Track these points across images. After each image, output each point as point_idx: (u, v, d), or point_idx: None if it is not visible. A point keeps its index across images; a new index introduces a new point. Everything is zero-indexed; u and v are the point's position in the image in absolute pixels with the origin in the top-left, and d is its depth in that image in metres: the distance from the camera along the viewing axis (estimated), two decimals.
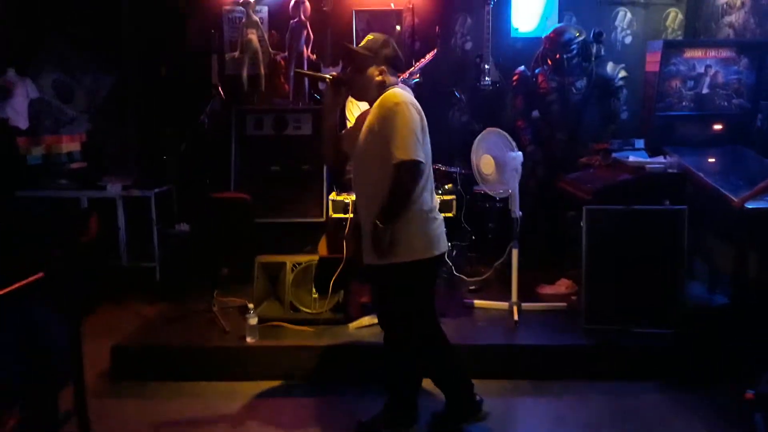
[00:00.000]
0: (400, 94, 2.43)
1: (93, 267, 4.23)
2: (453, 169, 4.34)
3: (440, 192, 3.47)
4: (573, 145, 4.69)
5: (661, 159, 3.73)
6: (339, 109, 2.65)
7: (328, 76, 2.58)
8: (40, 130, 4.94)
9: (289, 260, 3.58)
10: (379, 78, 2.48)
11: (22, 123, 4.93)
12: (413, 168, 2.34)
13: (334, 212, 3.42)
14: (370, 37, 2.54)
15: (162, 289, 4.58)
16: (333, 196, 3.52)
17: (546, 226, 4.63)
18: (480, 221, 4.68)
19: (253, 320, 3.29)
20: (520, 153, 3.59)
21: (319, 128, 2.74)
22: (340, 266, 3.30)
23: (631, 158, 3.75)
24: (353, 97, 2.61)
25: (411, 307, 2.56)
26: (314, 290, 3.54)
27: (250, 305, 3.36)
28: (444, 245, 2.59)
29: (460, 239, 4.56)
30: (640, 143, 4.14)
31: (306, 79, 4.97)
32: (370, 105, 2.52)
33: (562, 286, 4.12)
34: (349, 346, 3.32)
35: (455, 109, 5.37)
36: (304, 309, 3.56)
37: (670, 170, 3.59)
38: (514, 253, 3.71)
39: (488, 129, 3.58)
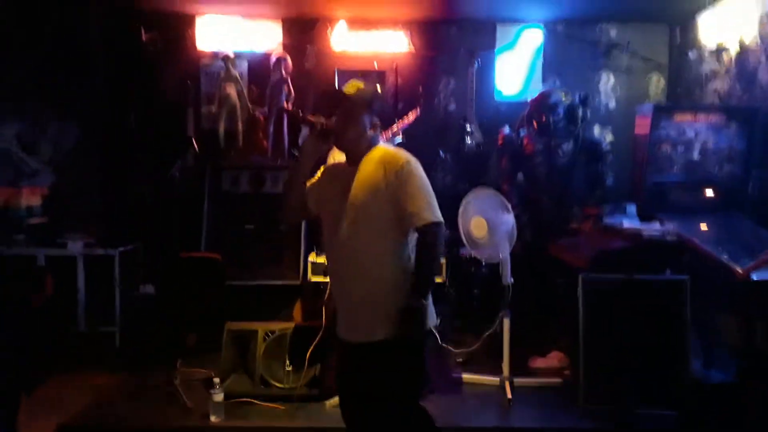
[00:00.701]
0: (400, 151, 2.25)
1: (46, 332, 3.86)
2: None
3: None
4: (560, 208, 4.54)
5: (656, 225, 3.57)
6: (316, 160, 2.33)
7: (319, 121, 2.27)
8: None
9: (262, 328, 3.26)
10: (371, 131, 2.27)
11: None
12: (440, 230, 2.17)
13: (314, 275, 3.15)
14: (359, 85, 2.34)
15: (122, 357, 4.21)
16: (312, 257, 3.27)
17: (535, 292, 4.41)
18: (465, 287, 4.45)
19: (219, 397, 2.95)
20: (510, 217, 3.41)
21: (291, 179, 2.36)
22: (318, 335, 3.01)
23: (626, 224, 3.58)
24: (339, 148, 2.31)
25: (410, 386, 2.23)
26: (288, 362, 3.22)
27: (216, 379, 3.02)
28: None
29: (444, 306, 4.30)
30: (631, 208, 4.00)
31: (286, 136, 4.79)
32: (354, 159, 2.26)
33: (555, 358, 3.86)
34: (325, 428, 2.98)
35: (439, 170, 5.22)
36: (276, 383, 3.22)
37: (668, 238, 3.42)
38: (506, 323, 3.46)
39: (480, 188, 3.40)
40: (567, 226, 4.24)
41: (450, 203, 3.92)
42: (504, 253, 3.37)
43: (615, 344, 3.19)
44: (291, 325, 3.26)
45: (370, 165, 2.21)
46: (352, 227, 2.18)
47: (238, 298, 4.19)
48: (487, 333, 3.62)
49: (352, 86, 2.30)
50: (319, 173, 2.40)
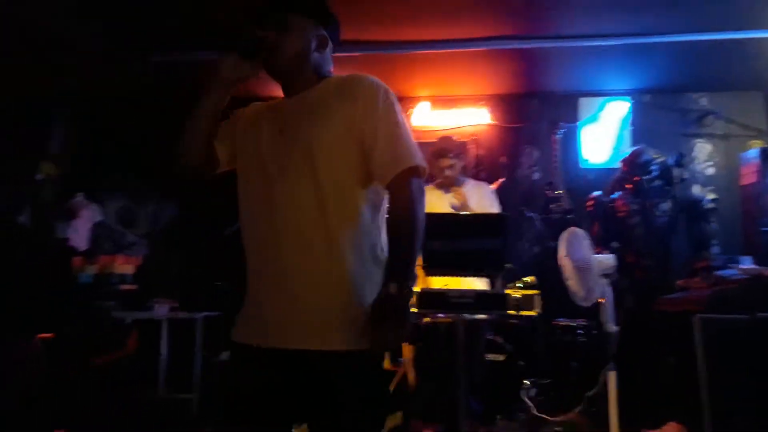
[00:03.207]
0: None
1: (121, 392, 3.81)
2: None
3: (521, 285, 2.98)
4: (663, 272, 4.18)
5: None
6: (232, 90, 1.60)
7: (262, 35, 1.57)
8: (98, 252, 4.87)
9: None
10: (318, 50, 1.62)
11: (82, 244, 4.90)
12: (421, 183, 1.52)
13: None
14: None
15: (197, 426, 4.04)
16: None
17: (641, 368, 3.94)
18: (562, 357, 4.06)
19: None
20: (609, 256, 3.13)
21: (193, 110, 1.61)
22: (398, 376, 2.77)
23: (743, 266, 3.21)
24: (273, 71, 1.60)
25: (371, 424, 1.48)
26: None
27: None
28: None
29: (539, 376, 3.93)
30: (746, 261, 3.60)
31: None
32: (294, 88, 1.62)
33: (672, 431, 3.34)
34: None
35: (524, 240, 5.01)
36: None
37: None
38: (611, 378, 3.05)
39: (569, 229, 3.19)
40: (672, 285, 3.86)
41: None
42: (604, 296, 3.06)
43: (745, 398, 2.72)
44: None
45: (323, 93, 1.58)
46: (298, 183, 1.50)
47: None
48: (590, 392, 3.22)
49: None
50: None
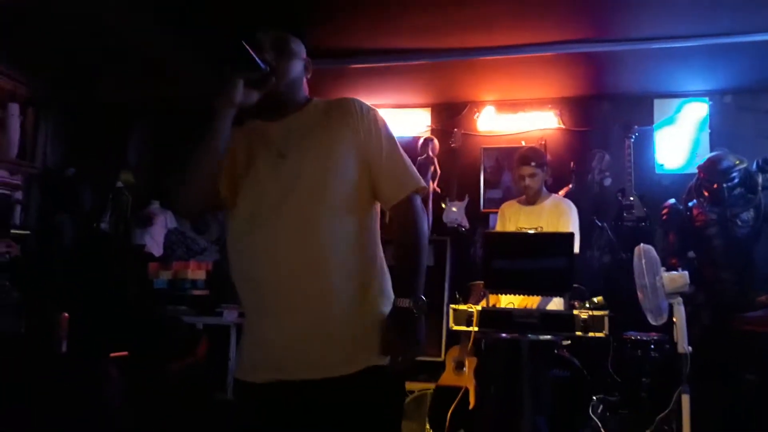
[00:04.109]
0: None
1: (191, 396, 3.95)
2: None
3: (589, 306, 2.88)
4: (743, 287, 3.94)
5: None
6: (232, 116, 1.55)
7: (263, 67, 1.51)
8: (172, 257, 5.07)
9: None
10: (308, 74, 1.70)
11: (156, 250, 5.13)
12: (420, 201, 1.62)
13: (455, 324, 2.91)
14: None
15: None
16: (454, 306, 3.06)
17: (717, 391, 3.74)
18: (632, 373, 3.91)
19: None
20: (682, 273, 2.99)
21: (201, 147, 1.54)
22: (460, 394, 2.74)
23: None
24: (274, 95, 1.57)
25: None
26: (428, 427, 2.95)
27: None
28: None
29: (607, 393, 3.81)
30: None
31: (430, 213, 4.78)
32: (284, 111, 1.61)
33: None
34: None
35: (594, 250, 4.84)
36: None
37: None
38: (685, 401, 2.92)
39: (639, 246, 3.07)
40: (753, 301, 3.64)
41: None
42: (676, 315, 2.93)
43: None
44: (432, 385, 3.01)
45: (314, 115, 1.60)
46: (307, 206, 1.48)
47: None
48: (661, 414, 3.09)
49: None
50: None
